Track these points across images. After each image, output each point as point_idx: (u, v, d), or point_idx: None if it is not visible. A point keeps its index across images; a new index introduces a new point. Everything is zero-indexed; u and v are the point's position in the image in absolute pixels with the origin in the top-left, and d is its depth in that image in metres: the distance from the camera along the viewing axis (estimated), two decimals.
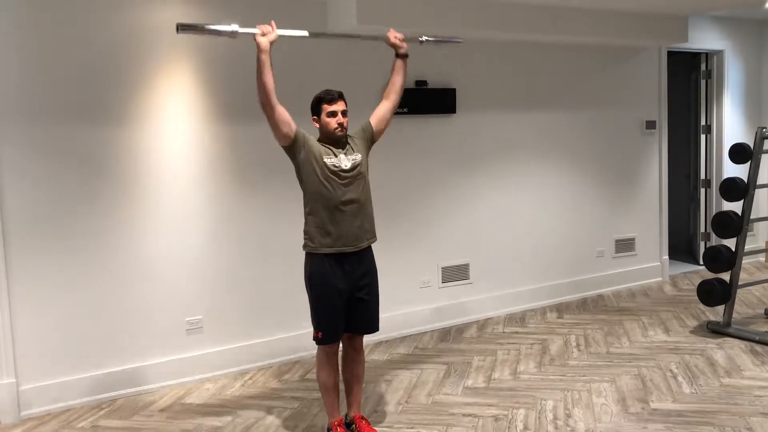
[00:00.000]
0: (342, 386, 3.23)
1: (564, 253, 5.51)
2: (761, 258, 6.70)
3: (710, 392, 3.60)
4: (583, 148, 5.56)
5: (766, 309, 4.99)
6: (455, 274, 4.99)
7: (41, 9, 3.51)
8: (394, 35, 3.21)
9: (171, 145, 3.90)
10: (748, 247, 4.78)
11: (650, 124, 5.93)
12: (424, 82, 4.69)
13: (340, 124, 2.99)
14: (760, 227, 6.73)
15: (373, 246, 3.15)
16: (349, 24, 4.01)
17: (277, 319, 4.26)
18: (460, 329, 4.87)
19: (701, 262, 5.61)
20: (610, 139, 5.71)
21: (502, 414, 3.42)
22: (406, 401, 3.63)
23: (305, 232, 3.03)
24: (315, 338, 3.05)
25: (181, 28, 2.84)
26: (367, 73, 4.18)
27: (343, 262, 3.00)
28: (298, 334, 4.22)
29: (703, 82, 6.47)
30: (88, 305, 3.71)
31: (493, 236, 5.14)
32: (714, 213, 5.63)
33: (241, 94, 3.95)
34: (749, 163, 4.54)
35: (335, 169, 2.96)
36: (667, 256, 6.15)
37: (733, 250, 4.54)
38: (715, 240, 6.23)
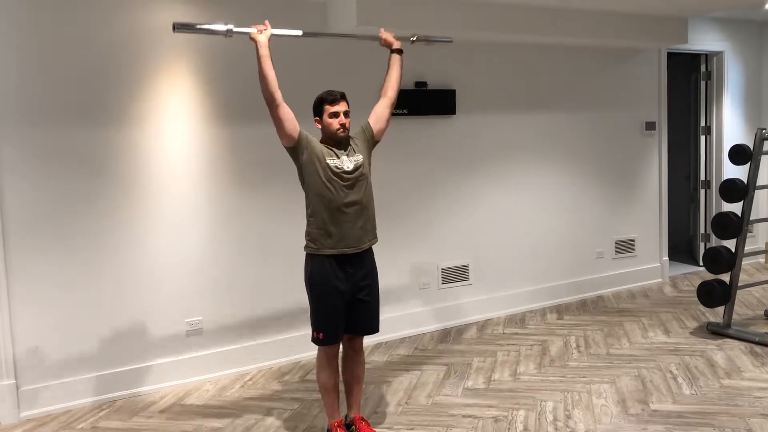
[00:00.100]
0: (342, 387, 3.23)
1: (564, 254, 5.51)
2: (761, 259, 6.70)
3: (710, 393, 3.60)
4: (583, 149, 5.56)
5: (766, 310, 4.99)
6: (455, 275, 4.99)
7: (41, 9, 3.51)
8: (385, 34, 3.28)
9: (171, 145, 3.90)
10: (747, 248, 4.78)
11: (650, 125, 5.93)
12: (424, 83, 4.69)
13: (343, 125, 2.99)
14: (759, 228, 6.73)
15: (373, 247, 3.15)
16: (349, 25, 4.01)
17: (277, 320, 4.26)
18: (460, 330, 4.87)
19: (701, 263, 5.61)
20: (610, 140, 5.71)
21: (502, 415, 3.42)
22: (406, 402, 3.63)
23: (307, 234, 3.03)
24: (315, 339, 3.04)
25: (177, 27, 2.90)
26: (367, 73, 4.17)
27: (344, 264, 3.00)
28: (297, 335, 4.22)
29: (702, 84, 6.48)
30: (88, 306, 3.71)
31: (493, 237, 5.14)
32: (714, 214, 5.63)
33: (242, 95, 3.96)
34: (749, 164, 4.54)
35: (337, 170, 2.95)
36: (666, 257, 6.15)
37: (733, 251, 4.54)
38: (714, 241, 6.23)
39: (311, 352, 3.91)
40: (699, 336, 4.56)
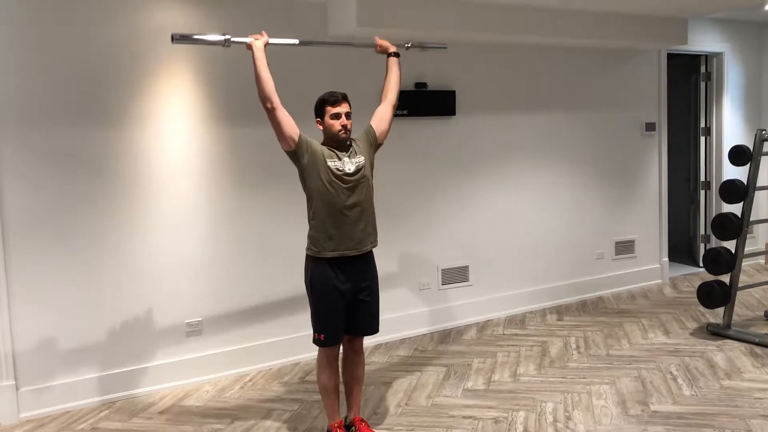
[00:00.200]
0: (342, 388, 3.22)
1: (564, 255, 5.51)
2: (761, 260, 6.70)
3: (710, 394, 3.60)
4: (582, 150, 5.56)
5: (766, 311, 4.99)
6: (455, 276, 4.99)
7: (41, 10, 3.51)
8: (380, 41, 3.32)
9: (171, 146, 3.90)
10: (747, 249, 4.78)
11: (650, 126, 5.93)
12: (424, 84, 4.69)
13: (344, 126, 2.99)
14: (759, 229, 6.73)
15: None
16: (349, 26, 4.01)
17: (277, 321, 4.26)
18: (460, 331, 4.87)
19: (701, 264, 5.61)
20: (609, 141, 5.71)
21: (502, 416, 3.42)
22: (406, 403, 3.63)
23: (310, 237, 3.03)
24: (316, 340, 3.04)
25: (176, 38, 2.96)
26: (366, 75, 4.17)
27: (344, 265, 3.00)
28: (297, 335, 4.22)
29: (702, 85, 6.48)
30: (88, 307, 3.71)
31: (493, 238, 5.14)
32: (714, 215, 5.65)
33: (242, 96, 3.96)
34: (749, 165, 4.54)
35: (339, 172, 2.95)
36: (666, 258, 6.15)
37: (733, 252, 4.54)
38: (714, 242, 6.22)
39: (311, 352, 3.91)
40: (699, 337, 4.55)
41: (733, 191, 4.53)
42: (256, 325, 4.20)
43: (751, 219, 4.58)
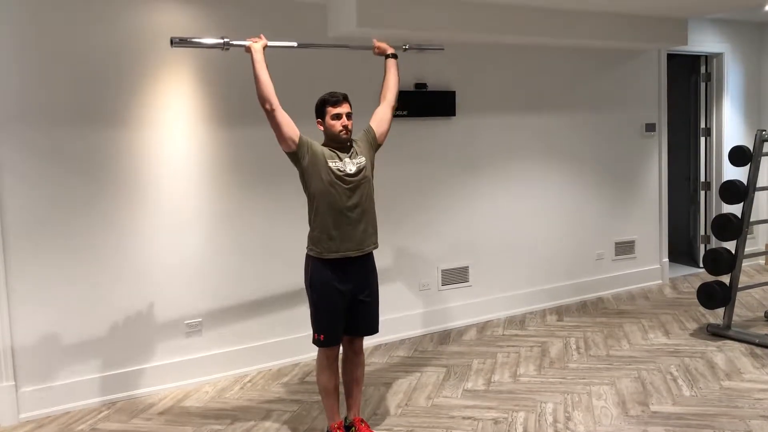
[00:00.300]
0: (342, 389, 3.22)
1: (564, 256, 5.51)
2: (761, 261, 6.69)
3: (710, 395, 3.60)
4: (582, 151, 5.56)
5: (766, 312, 4.98)
6: (455, 276, 4.99)
7: (41, 10, 3.51)
8: (378, 43, 3.35)
9: (171, 146, 3.90)
10: (748, 249, 4.78)
11: (650, 127, 5.93)
12: (424, 85, 4.69)
13: (345, 127, 2.98)
14: (759, 230, 6.73)
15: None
16: (349, 27, 4.01)
17: (277, 322, 4.26)
18: (460, 332, 4.87)
19: (701, 265, 5.61)
20: (609, 141, 5.71)
21: (502, 417, 3.42)
22: (406, 404, 3.63)
23: (311, 238, 3.03)
24: (316, 341, 3.04)
25: (175, 42, 2.99)
26: (365, 76, 4.17)
27: (345, 266, 3.00)
28: (297, 336, 4.21)
29: (702, 85, 6.48)
30: (88, 307, 3.70)
31: (493, 238, 5.14)
32: (714, 215, 5.64)
33: (242, 97, 3.95)
34: (749, 165, 4.54)
35: (340, 173, 2.95)
36: (667, 259, 6.15)
37: (733, 252, 4.54)
38: (715, 242, 6.22)
39: (311, 353, 3.91)
40: (699, 337, 4.55)
41: (733, 192, 4.53)
42: (256, 326, 4.20)
43: (751, 219, 4.58)
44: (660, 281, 6.10)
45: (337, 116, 2.97)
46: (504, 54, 5.08)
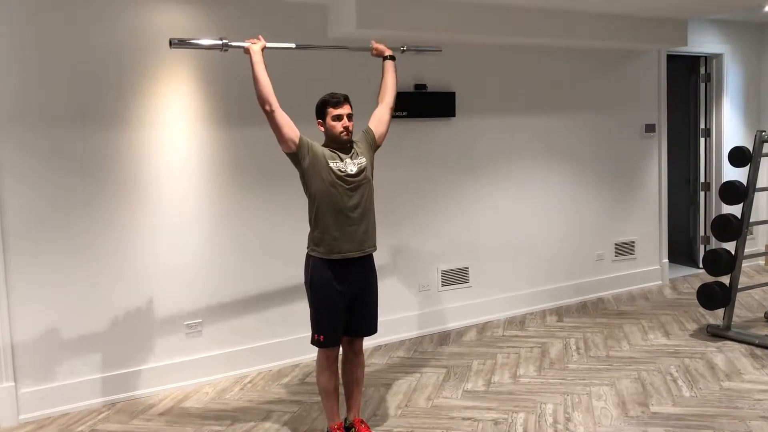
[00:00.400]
0: (342, 390, 3.22)
1: (564, 257, 5.51)
2: (761, 261, 6.70)
3: (710, 396, 3.60)
4: (582, 152, 5.56)
5: (766, 312, 4.98)
6: (455, 277, 4.98)
7: (41, 10, 3.51)
8: (376, 45, 3.36)
9: (171, 147, 3.90)
10: (747, 250, 4.78)
11: (650, 128, 5.93)
12: (424, 86, 4.69)
13: (346, 128, 2.98)
14: (759, 230, 6.73)
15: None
16: (349, 28, 4.01)
17: (277, 323, 4.26)
18: (460, 333, 4.87)
19: (701, 266, 5.61)
20: (609, 142, 5.71)
21: (502, 418, 3.42)
22: (406, 405, 3.63)
23: (311, 239, 3.03)
24: (316, 342, 3.04)
25: (174, 43, 2.99)
26: (364, 77, 4.17)
27: (345, 267, 2.99)
28: (297, 337, 4.21)
29: (702, 86, 6.48)
30: (88, 308, 3.70)
31: (493, 239, 5.14)
32: (714, 216, 5.63)
33: (242, 97, 3.95)
34: (749, 166, 4.54)
35: (341, 173, 2.95)
36: (666, 260, 6.15)
37: (733, 253, 4.54)
38: (714, 243, 6.21)
39: (311, 354, 3.91)
40: (699, 338, 4.55)
41: (732, 192, 4.54)
42: (256, 326, 4.20)
43: (751, 220, 4.58)
44: (660, 282, 6.10)
45: (338, 117, 2.97)
46: (504, 55, 5.08)
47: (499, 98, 5.10)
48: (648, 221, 6.01)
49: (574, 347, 4.47)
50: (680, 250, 6.83)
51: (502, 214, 5.17)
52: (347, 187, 2.95)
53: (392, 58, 3.32)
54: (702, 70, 6.45)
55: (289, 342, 4.26)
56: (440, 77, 4.77)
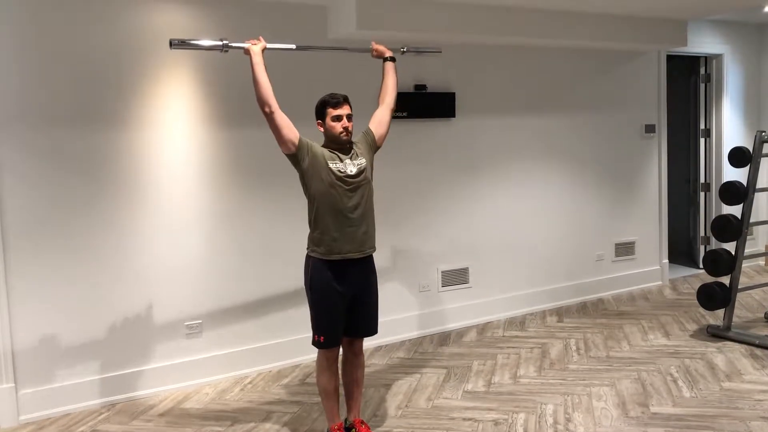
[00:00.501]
0: (342, 390, 3.22)
1: (564, 257, 5.51)
2: (761, 261, 6.70)
3: (710, 396, 3.60)
4: (582, 152, 5.56)
5: (766, 313, 4.98)
6: (455, 277, 4.98)
7: (41, 10, 3.51)
8: (376, 46, 3.35)
9: (171, 147, 3.89)
10: (747, 250, 4.78)
11: (650, 128, 5.93)
12: (424, 86, 4.69)
13: (346, 128, 2.98)
14: (759, 231, 6.73)
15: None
16: (349, 28, 4.01)
17: (277, 323, 4.25)
18: (460, 333, 4.87)
19: (701, 266, 5.61)
20: (609, 142, 5.71)
21: (502, 418, 3.42)
22: (406, 405, 3.63)
23: (311, 240, 3.02)
24: (316, 342, 3.04)
25: (174, 44, 2.99)
26: (364, 77, 4.17)
27: (345, 268, 2.99)
28: (297, 338, 4.21)
29: (702, 86, 6.49)
30: (88, 308, 3.70)
31: (493, 240, 5.14)
32: (714, 216, 5.63)
33: (242, 97, 3.95)
34: (749, 166, 4.54)
35: (341, 174, 2.94)
36: (666, 260, 6.15)
37: (733, 253, 4.54)
38: (714, 243, 6.21)
39: (311, 355, 3.91)
40: (699, 339, 4.55)
41: (732, 193, 4.54)
42: (256, 327, 4.19)
43: (751, 220, 4.58)
44: (660, 282, 6.10)
45: (338, 118, 2.97)
46: (504, 55, 5.08)
47: (499, 99, 5.10)
48: (648, 221, 6.01)
49: (574, 348, 4.47)
50: (680, 251, 6.83)
51: (502, 214, 5.17)
52: (347, 187, 2.95)
53: (392, 59, 3.32)
54: (702, 71, 6.45)
55: (289, 343, 4.26)
56: (440, 78, 4.77)
